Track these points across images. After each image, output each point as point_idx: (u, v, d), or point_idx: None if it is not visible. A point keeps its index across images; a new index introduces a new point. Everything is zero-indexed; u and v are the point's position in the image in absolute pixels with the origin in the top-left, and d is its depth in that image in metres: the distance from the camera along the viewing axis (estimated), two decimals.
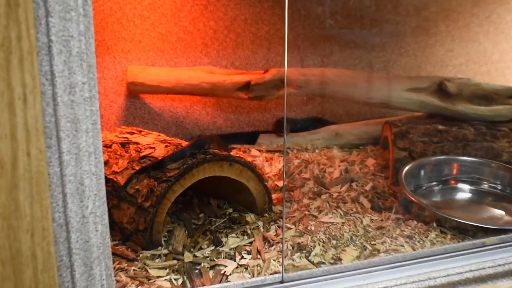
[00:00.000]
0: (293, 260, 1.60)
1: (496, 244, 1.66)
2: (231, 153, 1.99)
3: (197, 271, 1.54)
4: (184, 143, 1.85)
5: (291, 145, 2.53)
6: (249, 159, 2.31)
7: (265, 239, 1.70)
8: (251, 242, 1.68)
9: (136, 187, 1.66)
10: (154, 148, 1.83)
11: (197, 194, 1.96)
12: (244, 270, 1.55)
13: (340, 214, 1.89)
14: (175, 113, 2.55)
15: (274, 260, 1.59)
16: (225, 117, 2.65)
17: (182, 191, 1.64)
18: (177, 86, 2.38)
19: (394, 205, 1.96)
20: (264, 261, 1.58)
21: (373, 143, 2.54)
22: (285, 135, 2.53)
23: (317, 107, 2.75)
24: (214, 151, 1.76)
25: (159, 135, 2.01)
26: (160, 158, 1.72)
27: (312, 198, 2.02)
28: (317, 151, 2.48)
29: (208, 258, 1.60)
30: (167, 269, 1.54)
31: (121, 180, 1.71)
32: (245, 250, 1.64)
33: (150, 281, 1.48)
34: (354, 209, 1.93)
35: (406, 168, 2.05)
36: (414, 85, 2.40)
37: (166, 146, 1.82)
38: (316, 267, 1.56)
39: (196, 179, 1.67)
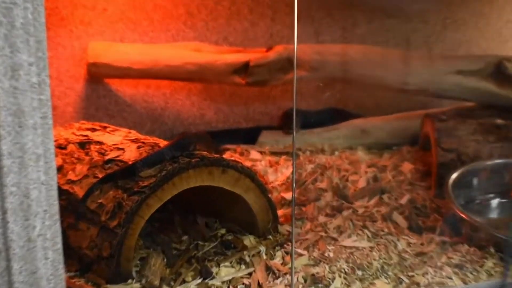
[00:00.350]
0: None
1: None
2: (224, 156, 1.99)
3: None
4: (163, 143, 1.84)
5: (302, 145, 2.53)
6: (248, 163, 2.30)
7: (268, 269, 1.69)
8: (250, 273, 1.67)
9: (99, 201, 1.66)
10: (122, 149, 1.83)
11: (179, 209, 1.96)
12: None
13: (368, 236, 1.88)
14: (151, 103, 2.55)
15: None
16: (216, 108, 2.65)
17: (159, 206, 1.64)
18: (153, 68, 2.38)
19: (439, 224, 1.95)
20: None
21: (410, 143, 2.55)
22: (294, 132, 2.52)
23: (337, 96, 2.74)
24: (201, 153, 1.75)
25: (130, 133, 2.01)
26: (130, 163, 1.72)
27: (330, 215, 2.02)
28: (336, 153, 2.48)
29: None
30: None
31: (79, 191, 1.70)
32: (243, 284, 1.63)
33: None
34: (386, 230, 1.93)
35: (454, 175, 2.05)
36: (464, 67, 2.39)
37: (138, 147, 1.82)
38: None
39: (178, 190, 1.67)
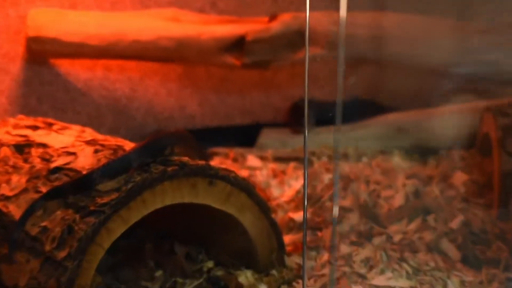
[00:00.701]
0: None
1: None
2: (212, 163, 1.99)
3: None
4: (129, 145, 1.84)
5: (317, 148, 2.53)
6: (244, 172, 2.31)
7: None
8: None
9: (43, 224, 1.64)
10: (74, 154, 1.82)
11: (151, 235, 1.97)
12: None
13: (407, 272, 1.88)
14: (113, 92, 2.55)
15: None
16: (201, 99, 2.64)
17: (124, 230, 1.63)
18: (116, 45, 2.39)
19: (503, 255, 1.95)
20: None
21: (464, 145, 2.55)
22: (306, 131, 2.52)
23: (365, 82, 2.75)
24: (181, 160, 1.75)
25: (84, 131, 2.01)
26: (85, 173, 1.71)
27: (356, 243, 2.02)
28: (364, 159, 2.49)
29: None
30: None
31: (15, 211, 1.69)
32: None
33: None
34: (432, 263, 1.92)
35: None
36: None
37: (96, 151, 1.82)
38: None
39: (150, 210, 1.66)
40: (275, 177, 2.35)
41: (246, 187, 1.77)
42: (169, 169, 1.69)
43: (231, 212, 1.77)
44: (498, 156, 2.19)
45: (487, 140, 2.33)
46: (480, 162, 2.43)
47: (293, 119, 2.69)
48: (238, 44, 2.38)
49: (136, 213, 1.64)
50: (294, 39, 2.38)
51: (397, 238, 2.04)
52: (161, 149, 1.78)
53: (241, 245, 1.84)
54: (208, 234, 1.91)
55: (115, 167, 1.71)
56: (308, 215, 2.14)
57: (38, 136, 1.97)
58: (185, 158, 1.77)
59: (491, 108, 2.35)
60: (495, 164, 2.21)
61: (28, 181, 1.76)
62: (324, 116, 2.57)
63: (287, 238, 1.95)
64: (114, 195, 1.63)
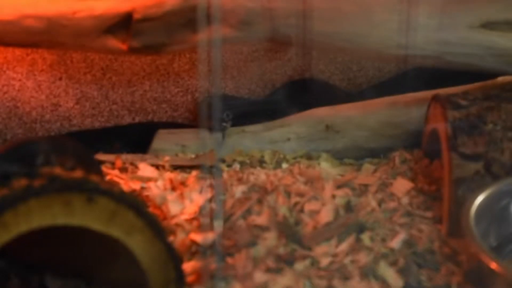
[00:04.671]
0: None
1: None
2: (94, 175, 1.98)
3: None
4: None
5: (227, 153, 2.54)
6: (135, 185, 2.33)
7: None
8: None
9: None
10: None
11: (16, 266, 1.96)
12: None
13: None
14: None
15: None
16: (79, 93, 2.64)
17: None
18: None
19: (455, 280, 1.98)
20: None
21: (407, 145, 2.59)
22: (209, 131, 2.53)
23: (286, 69, 2.77)
24: (51, 171, 1.75)
25: None
26: None
27: (273, 269, 2.03)
28: (284, 165, 2.51)
29: None
30: None
31: None
32: None
33: None
34: None
35: (480, 198, 2.06)
36: (497, 15, 2.42)
37: None
38: None
39: (12, 235, 1.65)
40: (173, 190, 2.36)
41: (134, 204, 1.76)
42: (36, 183, 1.67)
43: (116, 235, 1.76)
44: (448, 158, 2.20)
45: (435, 138, 2.34)
46: (427, 166, 2.47)
47: (197, 118, 2.68)
48: (123, 24, 2.37)
49: None
50: (195, 16, 2.37)
51: (324, 262, 2.06)
52: (24, 158, 1.77)
53: (130, 275, 1.84)
54: (89, 264, 1.91)
55: None
56: (216, 237, 2.14)
57: None
58: (57, 170, 1.76)
59: (440, 98, 2.35)
60: (445, 169, 2.23)
61: None
62: (236, 114, 2.60)
63: (188, 266, 1.97)
64: None
